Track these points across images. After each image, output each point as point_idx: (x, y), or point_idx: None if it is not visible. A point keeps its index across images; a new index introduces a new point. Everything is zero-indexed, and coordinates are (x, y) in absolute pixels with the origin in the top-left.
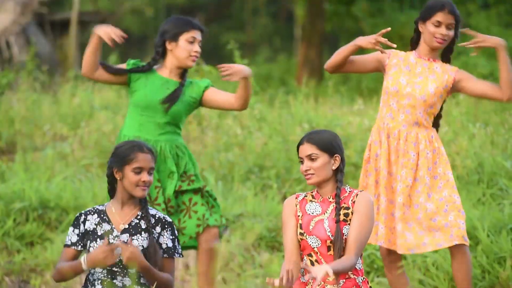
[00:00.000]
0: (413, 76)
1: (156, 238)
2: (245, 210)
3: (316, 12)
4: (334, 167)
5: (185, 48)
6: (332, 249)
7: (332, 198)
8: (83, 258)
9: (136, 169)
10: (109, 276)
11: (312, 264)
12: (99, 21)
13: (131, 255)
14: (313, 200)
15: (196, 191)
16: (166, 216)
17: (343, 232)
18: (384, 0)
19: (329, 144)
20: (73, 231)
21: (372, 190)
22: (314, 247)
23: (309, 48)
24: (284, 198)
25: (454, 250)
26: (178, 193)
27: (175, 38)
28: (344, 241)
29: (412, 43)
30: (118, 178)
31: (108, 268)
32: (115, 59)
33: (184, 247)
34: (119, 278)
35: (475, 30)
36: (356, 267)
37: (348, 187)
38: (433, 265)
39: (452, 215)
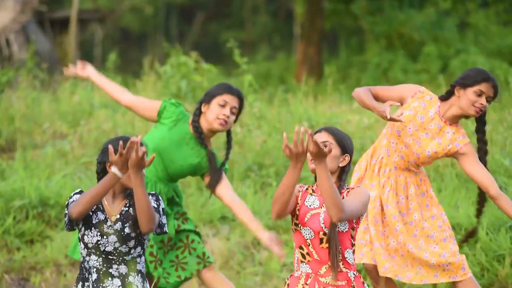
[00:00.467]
0: (421, 130)
1: (156, 204)
2: None
3: (316, 10)
4: (341, 165)
5: (214, 111)
6: (324, 242)
7: None
8: (112, 169)
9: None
10: (105, 265)
11: (303, 257)
12: (98, 19)
13: (143, 155)
14: (313, 194)
15: (191, 230)
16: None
17: (337, 224)
18: None
19: (344, 142)
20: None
21: None
22: (307, 239)
23: (308, 46)
24: None
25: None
26: (175, 231)
27: (209, 100)
28: (338, 233)
29: (443, 99)
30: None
31: (103, 256)
32: (115, 58)
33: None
34: (114, 266)
35: (474, 28)
36: (349, 261)
37: (347, 186)
38: None
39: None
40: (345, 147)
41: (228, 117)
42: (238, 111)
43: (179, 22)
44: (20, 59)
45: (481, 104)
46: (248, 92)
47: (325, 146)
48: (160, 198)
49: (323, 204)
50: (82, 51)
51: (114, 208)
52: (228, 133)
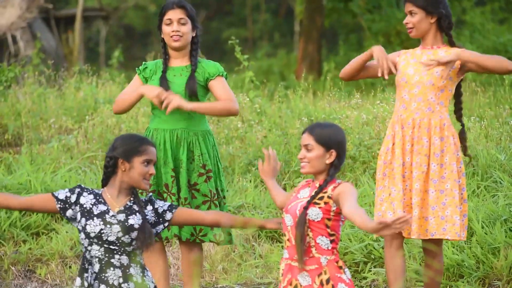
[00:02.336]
0: (419, 65)
1: (154, 213)
2: (245, 201)
3: (315, 8)
4: (328, 161)
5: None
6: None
7: (319, 185)
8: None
9: (145, 161)
10: (107, 255)
11: (285, 243)
12: (102, 16)
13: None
14: (309, 186)
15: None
16: (150, 194)
17: (307, 213)
18: None
19: (327, 139)
20: (66, 192)
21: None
22: (288, 225)
23: (308, 43)
24: (284, 189)
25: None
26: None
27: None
28: (308, 223)
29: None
30: (123, 170)
31: (105, 246)
32: (118, 54)
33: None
34: (116, 256)
35: (470, 26)
36: (322, 247)
37: (340, 180)
38: None
39: (449, 210)
40: (329, 143)
41: (178, 31)
42: (188, 19)
43: None
44: (26, 55)
45: (406, 23)
46: (249, 88)
47: (308, 149)
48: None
49: (310, 195)
50: (86, 48)
51: (118, 201)
52: (193, 42)
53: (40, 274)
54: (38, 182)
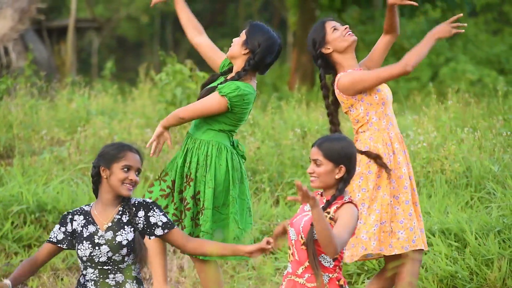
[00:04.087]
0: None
1: (145, 221)
2: None
3: (308, 19)
4: (337, 176)
5: None
6: (304, 245)
7: (326, 200)
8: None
9: (124, 166)
10: (101, 276)
11: (289, 257)
12: (95, 27)
13: None
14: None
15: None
16: (146, 199)
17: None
18: (374, 8)
19: (336, 154)
20: (59, 229)
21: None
22: (292, 239)
23: (301, 54)
24: (277, 201)
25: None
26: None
27: None
28: (314, 241)
29: None
30: (105, 177)
31: (99, 267)
32: (111, 65)
33: None
34: (111, 276)
35: (464, 36)
36: (324, 264)
37: (349, 197)
38: (422, 267)
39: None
40: (338, 159)
41: None
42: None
43: (174, 30)
44: (18, 67)
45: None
46: None
47: (317, 164)
48: (156, 203)
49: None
50: (79, 59)
51: (105, 216)
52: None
53: (32, 287)
54: (30, 194)
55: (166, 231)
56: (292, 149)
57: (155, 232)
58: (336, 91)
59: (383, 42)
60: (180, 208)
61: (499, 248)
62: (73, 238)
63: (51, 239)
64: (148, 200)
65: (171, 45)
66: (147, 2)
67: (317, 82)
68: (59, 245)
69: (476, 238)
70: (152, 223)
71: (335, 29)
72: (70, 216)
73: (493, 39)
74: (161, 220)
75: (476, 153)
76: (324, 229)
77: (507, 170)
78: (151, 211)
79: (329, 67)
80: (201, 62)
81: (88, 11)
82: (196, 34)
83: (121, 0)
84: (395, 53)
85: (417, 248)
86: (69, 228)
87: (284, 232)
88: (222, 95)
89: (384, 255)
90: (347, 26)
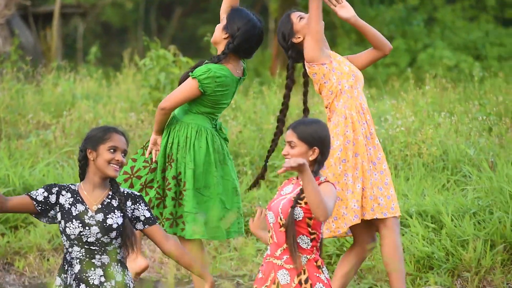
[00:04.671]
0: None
1: (131, 212)
2: None
3: (289, 5)
4: (311, 158)
5: None
6: (282, 227)
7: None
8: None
9: (111, 148)
10: (88, 255)
11: (269, 240)
12: (80, 13)
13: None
14: (293, 182)
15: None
16: (134, 191)
17: (294, 213)
18: None
19: (310, 136)
20: (43, 192)
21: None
22: (270, 223)
23: None
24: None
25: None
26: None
27: None
28: (297, 224)
29: None
30: (92, 159)
31: (86, 247)
32: (96, 50)
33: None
34: (97, 256)
35: (441, 23)
36: (302, 246)
37: (324, 177)
38: None
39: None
40: (311, 141)
41: None
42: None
43: (158, 16)
44: (4, 52)
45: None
46: None
47: (291, 146)
48: (142, 197)
49: (293, 191)
50: (64, 45)
51: (94, 197)
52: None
53: (18, 267)
54: (16, 177)
55: (146, 226)
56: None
57: (136, 225)
58: (307, 66)
59: (368, 56)
60: (163, 186)
61: (474, 229)
62: (52, 209)
63: (30, 194)
64: (136, 193)
65: (155, 31)
66: None
67: (297, 67)
68: (34, 203)
69: (452, 220)
70: (135, 216)
71: (301, 18)
72: (57, 188)
73: (470, 26)
74: (144, 215)
75: (453, 137)
76: (315, 189)
77: (483, 154)
78: (137, 204)
79: (301, 56)
80: (184, 48)
81: None
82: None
83: None
84: None
85: (395, 215)
86: (52, 198)
87: (263, 216)
88: (193, 78)
89: (353, 233)
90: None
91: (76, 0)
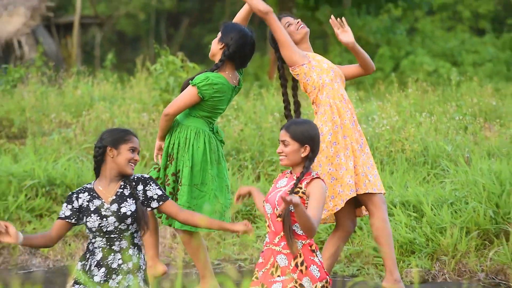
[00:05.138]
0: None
1: (143, 194)
2: None
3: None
4: (303, 155)
5: None
6: (279, 217)
7: (296, 177)
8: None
9: (131, 148)
10: (108, 243)
11: (267, 229)
12: (97, 23)
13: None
14: (287, 176)
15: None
16: (144, 174)
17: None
18: (343, 6)
19: (301, 135)
20: (66, 206)
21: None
22: (268, 213)
23: None
24: (258, 177)
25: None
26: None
27: None
28: (291, 214)
29: None
30: (111, 156)
31: (107, 236)
32: (112, 57)
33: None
34: (116, 243)
35: (422, 32)
36: (297, 232)
37: (315, 173)
38: None
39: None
40: (303, 140)
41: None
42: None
43: (167, 26)
44: (30, 58)
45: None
46: None
47: (285, 145)
48: (152, 178)
49: (287, 185)
50: (83, 52)
51: (109, 190)
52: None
53: (43, 251)
54: (41, 170)
55: (160, 203)
56: (272, 131)
57: (151, 204)
58: (291, 70)
59: (355, 71)
60: (163, 182)
61: (452, 217)
62: (80, 213)
63: (60, 216)
64: (145, 175)
65: (164, 39)
66: (143, 1)
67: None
68: (67, 220)
69: (431, 209)
70: (148, 197)
71: (289, 24)
72: (75, 195)
73: (447, 35)
74: (156, 194)
75: (432, 135)
76: (305, 220)
77: (459, 150)
78: (148, 185)
79: None
80: (191, 55)
81: (92, 8)
82: None
83: None
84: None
85: (382, 192)
86: (75, 205)
87: (249, 194)
88: (193, 85)
89: (336, 218)
90: (299, 20)
91: (94, 12)
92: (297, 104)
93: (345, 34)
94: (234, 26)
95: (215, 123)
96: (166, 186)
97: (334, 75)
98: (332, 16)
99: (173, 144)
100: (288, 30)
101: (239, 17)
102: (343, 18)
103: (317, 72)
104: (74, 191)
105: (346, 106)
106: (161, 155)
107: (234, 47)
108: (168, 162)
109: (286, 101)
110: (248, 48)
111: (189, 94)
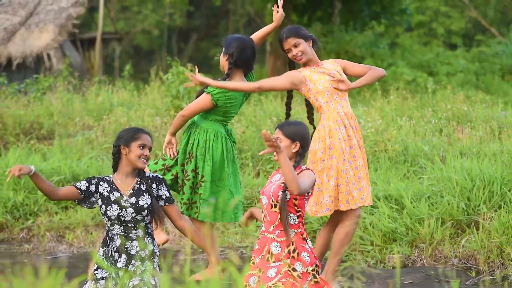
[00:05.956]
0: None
1: (156, 191)
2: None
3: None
4: (294, 151)
5: None
6: (273, 207)
7: None
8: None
9: (140, 145)
10: (126, 231)
11: (263, 219)
12: (117, 38)
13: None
14: (280, 172)
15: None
16: (158, 175)
17: (279, 194)
18: (333, 23)
19: (293, 133)
20: (85, 183)
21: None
22: (264, 205)
23: (277, 59)
24: (258, 173)
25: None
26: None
27: None
28: (286, 203)
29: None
30: (124, 154)
31: (124, 225)
32: (129, 68)
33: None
34: (133, 231)
35: (402, 46)
36: (291, 222)
37: (305, 166)
38: (370, 225)
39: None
40: (294, 137)
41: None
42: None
43: (178, 41)
44: (58, 69)
45: (293, 55)
46: None
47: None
48: (164, 179)
49: (281, 178)
50: (104, 63)
51: (126, 184)
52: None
53: (68, 239)
54: (66, 167)
55: (166, 204)
56: (270, 133)
57: (158, 202)
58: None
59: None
60: (181, 177)
61: (429, 209)
62: (92, 197)
63: (75, 185)
64: (159, 176)
65: (175, 52)
66: (157, 18)
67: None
68: (78, 192)
69: (411, 202)
70: (158, 195)
71: (289, 50)
72: (96, 180)
73: (424, 49)
74: (165, 195)
75: (412, 136)
76: (288, 168)
77: (435, 150)
78: (160, 186)
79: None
80: (199, 65)
81: (112, 26)
82: None
83: (137, 17)
84: (349, 59)
85: (365, 204)
86: (92, 188)
87: (252, 216)
88: (207, 93)
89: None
90: (297, 52)
91: (114, 28)
92: (288, 116)
93: (343, 84)
94: (232, 37)
95: (228, 125)
96: (186, 181)
97: (330, 94)
98: (332, 74)
99: (192, 144)
100: (290, 56)
101: (257, 36)
102: (340, 72)
103: (314, 94)
104: (97, 176)
105: (341, 124)
106: (170, 148)
107: (237, 54)
108: (187, 160)
109: (288, 109)
110: (249, 51)
111: (203, 100)
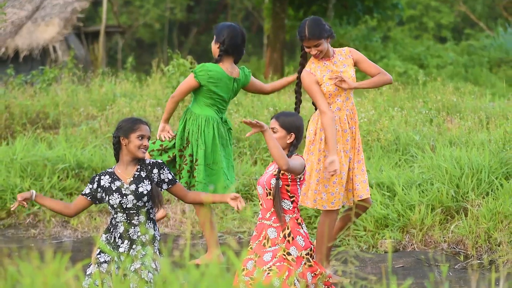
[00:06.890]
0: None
1: (158, 176)
2: None
3: (279, 26)
4: (288, 141)
5: None
6: (268, 195)
7: None
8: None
9: (139, 136)
10: (128, 218)
11: (259, 206)
12: (120, 32)
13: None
14: (274, 163)
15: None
16: (158, 160)
17: (271, 183)
18: (328, 18)
19: (288, 124)
20: (88, 186)
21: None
22: (260, 194)
23: (273, 52)
24: (255, 161)
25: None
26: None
27: None
28: (280, 191)
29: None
30: (124, 144)
31: (126, 212)
32: (131, 60)
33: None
34: (135, 218)
35: (394, 40)
36: (285, 208)
37: (295, 153)
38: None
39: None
40: (289, 128)
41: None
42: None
43: (179, 34)
44: (63, 61)
45: (313, 54)
46: None
47: (274, 132)
48: (164, 163)
49: (275, 169)
50: (108, 56)
51: (127, 173)
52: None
53: (73, 224)
54: (71, 155)
55: (170, 186)
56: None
57: (162, 186)
58: None
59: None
60: (179, 162)
61: (419, 196)
62: (98, 193)
63: (81, 193)
64: (159, 161)
65: (176, 45)
66: (159, 12)
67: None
68: (85, 197)
69: (402, 189)
70: (161, 179)
71: (316, 46)
72: (97, 177)
73: (415, 42)
74: (167, 177)
75: (403, 126)
76: (275, 145)
77: (426, 139)
78: (161, 170)
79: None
80: (199, 58)
81: (115, 19)
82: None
83: (139, 11)
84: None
85: (334, 209)
86: (95, 186)
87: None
88: (192, 72)
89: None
90: (310, 49)
91: (117, 22)
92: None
93: (345, 84)
94: (223, 25)
95: (225, 114)
96: (184, 165)
97: (331, 97)
98: (334, 77)
99: (188, 130)
100: (308, 51)
101: (275, 85)
102: (340, 75)
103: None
104: (98, 174)
105: (338, 127)
106: (164, 135)
107: (228, 40)
108: (184, 145)
109: (298, 99)
110: (239, 38)
111: (188, 79)
